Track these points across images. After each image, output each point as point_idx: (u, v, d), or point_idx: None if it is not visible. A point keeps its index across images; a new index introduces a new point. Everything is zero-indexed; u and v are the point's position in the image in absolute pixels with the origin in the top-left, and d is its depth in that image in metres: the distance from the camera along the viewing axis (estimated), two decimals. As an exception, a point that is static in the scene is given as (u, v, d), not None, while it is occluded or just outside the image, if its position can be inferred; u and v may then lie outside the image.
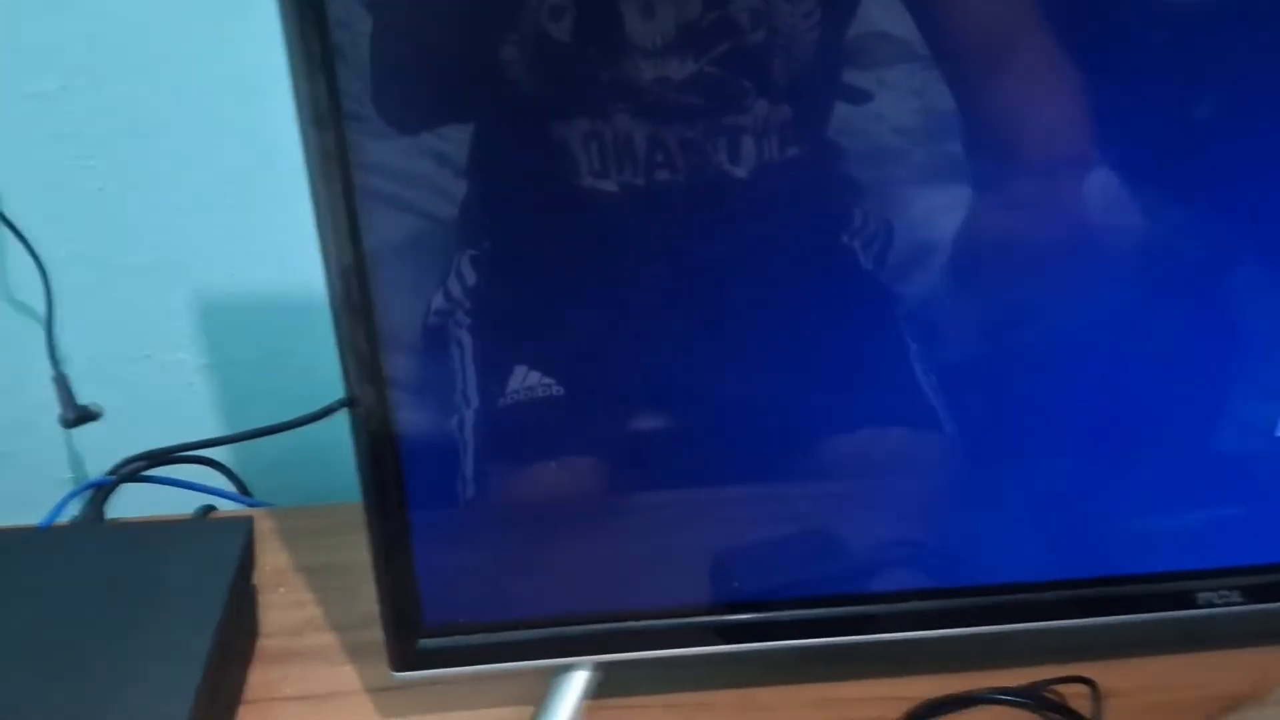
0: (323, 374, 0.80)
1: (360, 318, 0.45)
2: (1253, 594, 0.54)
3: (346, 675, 0.61)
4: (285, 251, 0.77)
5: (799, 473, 0.52)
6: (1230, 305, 0.50)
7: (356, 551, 0.69)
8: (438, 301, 0.46)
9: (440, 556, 0.50)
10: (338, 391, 0.74)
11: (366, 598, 0.66)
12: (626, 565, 0.53)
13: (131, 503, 0.72)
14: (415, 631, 0.52)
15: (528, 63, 0.42)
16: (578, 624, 0.53)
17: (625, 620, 0.53)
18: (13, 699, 0.49)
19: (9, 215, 0.72)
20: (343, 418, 0.74)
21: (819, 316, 0.49)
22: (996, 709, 0.58)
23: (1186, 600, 0.54)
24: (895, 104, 0.44)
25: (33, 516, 0.72)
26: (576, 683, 0.55)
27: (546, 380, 0.48)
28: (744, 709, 0.59)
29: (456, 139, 0.43)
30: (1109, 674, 0.58)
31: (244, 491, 0.81)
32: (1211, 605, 0.55)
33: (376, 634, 0.62)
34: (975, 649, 0.59)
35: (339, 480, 0.85)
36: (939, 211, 0.46)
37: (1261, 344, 0.51)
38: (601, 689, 0.57)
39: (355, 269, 0.44)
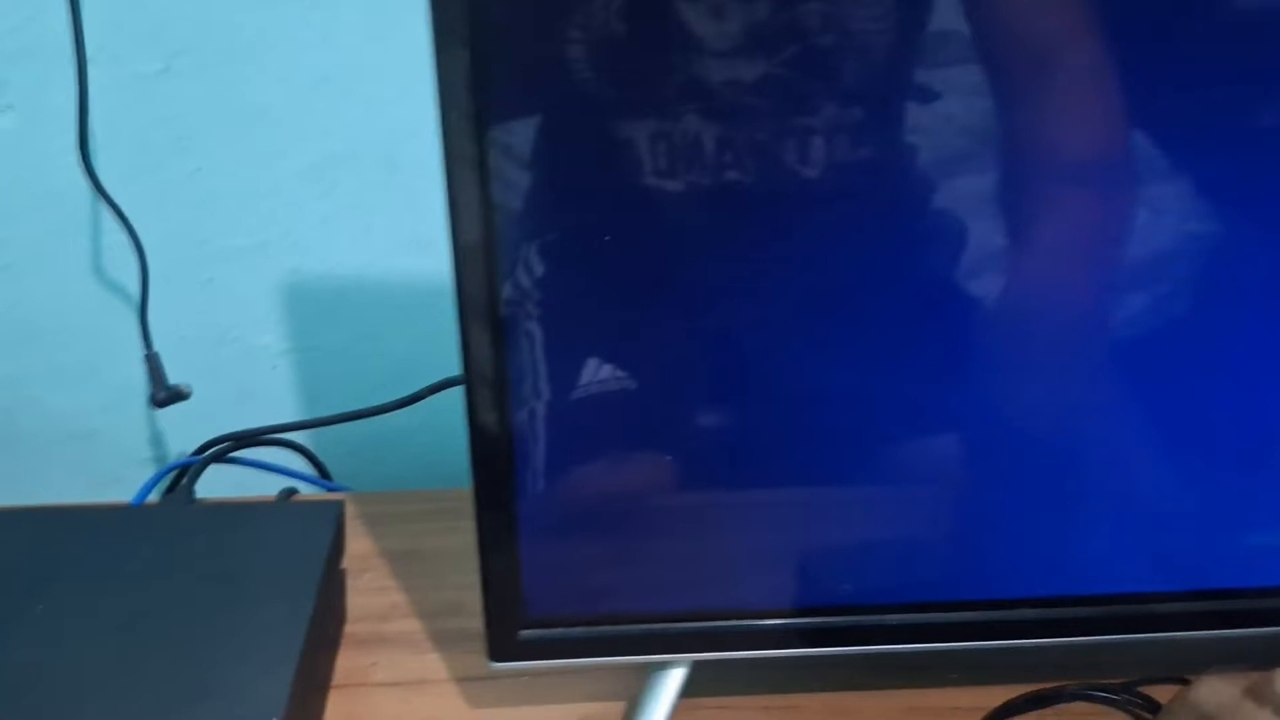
0: (404, 361, 0.81)
1: (485, 306, 0.45)
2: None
3: (435, 663, 0.61)
4: (374, 238, 0.77)
5: (890, 476, 0.51)
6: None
7: (440, 538, 0.70)
8: (507, 291, 0.46)
9: (544, 548, 0.50)
10: (418, 378, 0.75)
11: (452, 585, 0.66)
12: (724, 564, 0.52)
13: (212, 483, 0.72)
14: (517, 622, 0.51)
15: (594, 61, 0.41)
16: (677, 621, 0.52)
17: (723, 620, 0.52)
18: (109, 678, 0.49)
19: (109, 193, 0.72)
20: (425, 405, 0.75)
21: (896, 316, 0.48)
22: (1085, 705, 0.57)
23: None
24: (964, 104, 0.43)
25: (117, 494, 0.73)
26: (673, 681, 0.55)
27: (610, 375, 0.48)
28: (833, 713, 0.58)
29: (520, 131, 0.43)
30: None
31: (324, 475, 0.82)
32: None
33: (463, 622, 0.63)
34: (1071, 659, 0.58)
35: (418, 467, 0.86)
36: (1010, 212, 0.46)
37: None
38: (693, 688, 0.57)
39: (483, 251, 0.43)
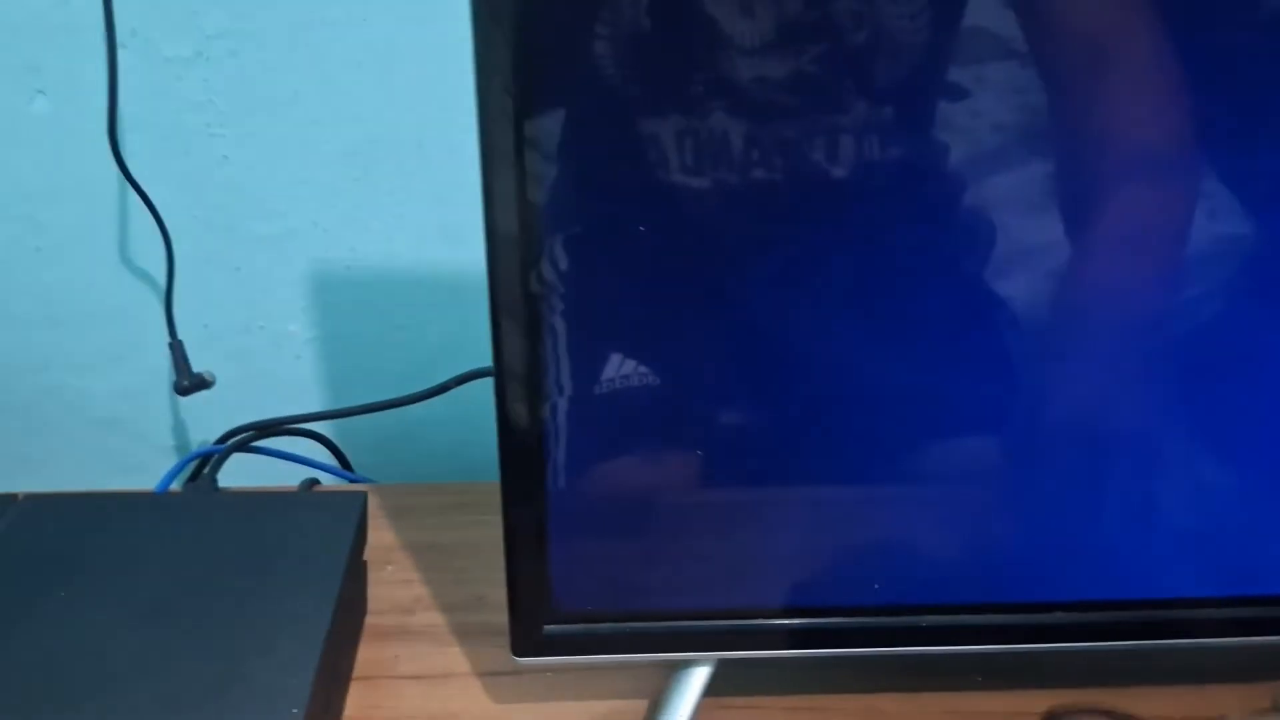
0: (430, 352, 0.81)
1: (518, 300, 0.44)
2: None
3: (457, 657, 0.60)
4: (404, 227, 0.77)
5: (923, 475, 0.50)
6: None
7: (463, 532, 0.70)
8: (540, 284, 0.45)
9: (572, 543, 0.49)
10: (444, 369, 0.75)
11: (475, 579, 0.66)
12: (752, 561, 0.51)
13: (234, 472, 0.72)
14: (542, 617, 0.51)
15: (620, 57, 0.41)
16: (703, 619, 0.52)
17: (749, 618, 0.52)
18: (130, 668, 0.48)
19: (137, 179, 0.72)
20: (451, 396, 0.74)
21: (931, 313, 0.47)
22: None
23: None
24: (995, 101, 0.42)
25: (140, 481, 0.72)
26: (697, 679, 0.54)
27: (643, 370, 0.47)
28: (861, 715, 0.57)
29: (560, 123, 0.43)
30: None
31: (346, 466, 0.81)
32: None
33: (486, 616, 0.63)
34: (1107, 664, 0.57)
35: (441, 459, 0.85)
36: (1043, 210, 0.45)
37: None
38: (719, 687, 0.56)
39: (518, 243, 0.43)
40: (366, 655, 0.60)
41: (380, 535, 0.69)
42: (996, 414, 0.49)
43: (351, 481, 0.79)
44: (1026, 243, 0.45)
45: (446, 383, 0.73)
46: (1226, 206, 0.46)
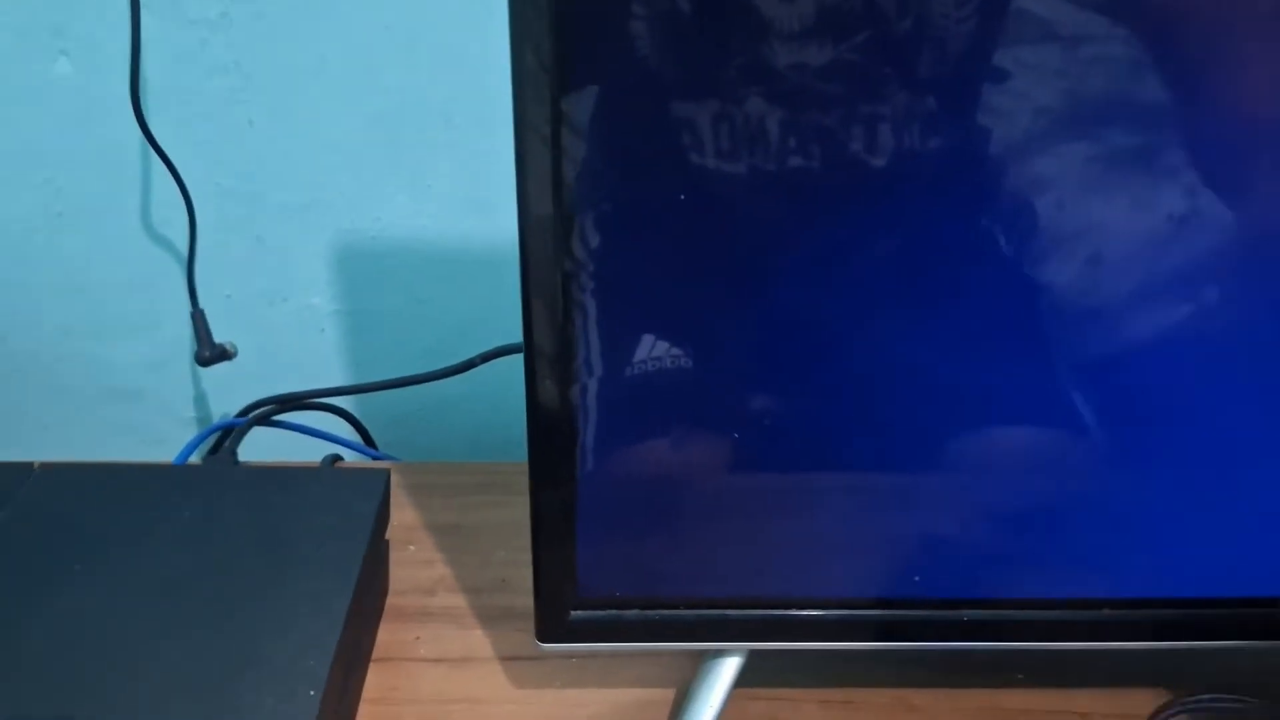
0: (456, 327, 0.79)
1: (550, 277, 0.42)
2: None
3: (479, 640, 0.59)
4: (430, 200, 0.75)
5: (963, 465, 0.48)
6: None
7: (488, 512, 0.68)
8: (573, 263, 0.43)
9: (601, 527, 0.48)
10: (470, 346, 0.73)
11: (498, 561, 0.64)
12: (786, 550, 0.49)
13: (255, 446, 0.71)
14: (568, 602, 0.49)
15: (658, 34, 0.39)
16: (735, 608, 0.50)
17: (782, 608, 0.50)
18: (147, 644, 0.47)
19: (160, 144, 0.70)
20: (477, 374, 0.72)
21: (960, 300, 0.45)
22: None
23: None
24: (1037, 85, 0.40)
25: (161, 453, 0.71)
26: (728, 670, 0.52)
27: (676, 351, 0.45)
28: (895, 709, 0.55)
29: (596, 99, 0.41)
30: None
31: (369, 443, 0.80)
32: None
33: (509, 599, 0.61)
34: (1158, 664, 0.55)
35: (466, 437, 0.83)
36: (1083, 196, 0.43)
37: None
38: (748, 678, 0.54)
39: (551, 221, 0.41)
40: (386, 636, 0.59)
41: (402, 514, 0.68)
42: (1040, 402, 0.47)
43: (374, 459, 0.78)
44: (1066, 229, 0.43)
45: (473, 359, 0.72)
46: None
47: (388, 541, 0.61)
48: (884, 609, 0.50)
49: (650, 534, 0.48)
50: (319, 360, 0.81)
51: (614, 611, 0.50)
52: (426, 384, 0.74)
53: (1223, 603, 0.51)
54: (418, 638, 0.59)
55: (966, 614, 0.50)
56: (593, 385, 0.45)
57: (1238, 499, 0.49)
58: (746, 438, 0.47)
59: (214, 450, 0.71)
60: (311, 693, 0.45)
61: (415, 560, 0.64)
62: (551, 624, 0.50)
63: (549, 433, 0.45)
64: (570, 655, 0.53)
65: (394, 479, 0.60)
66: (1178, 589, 0.50)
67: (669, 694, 0.55)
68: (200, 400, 0.83)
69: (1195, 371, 0.47)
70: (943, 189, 0.42)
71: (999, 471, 0.48)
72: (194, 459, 0.69)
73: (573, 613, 0.49)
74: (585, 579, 0.49)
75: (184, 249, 0.75)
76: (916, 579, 0.49)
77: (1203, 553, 0.50)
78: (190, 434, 0.77)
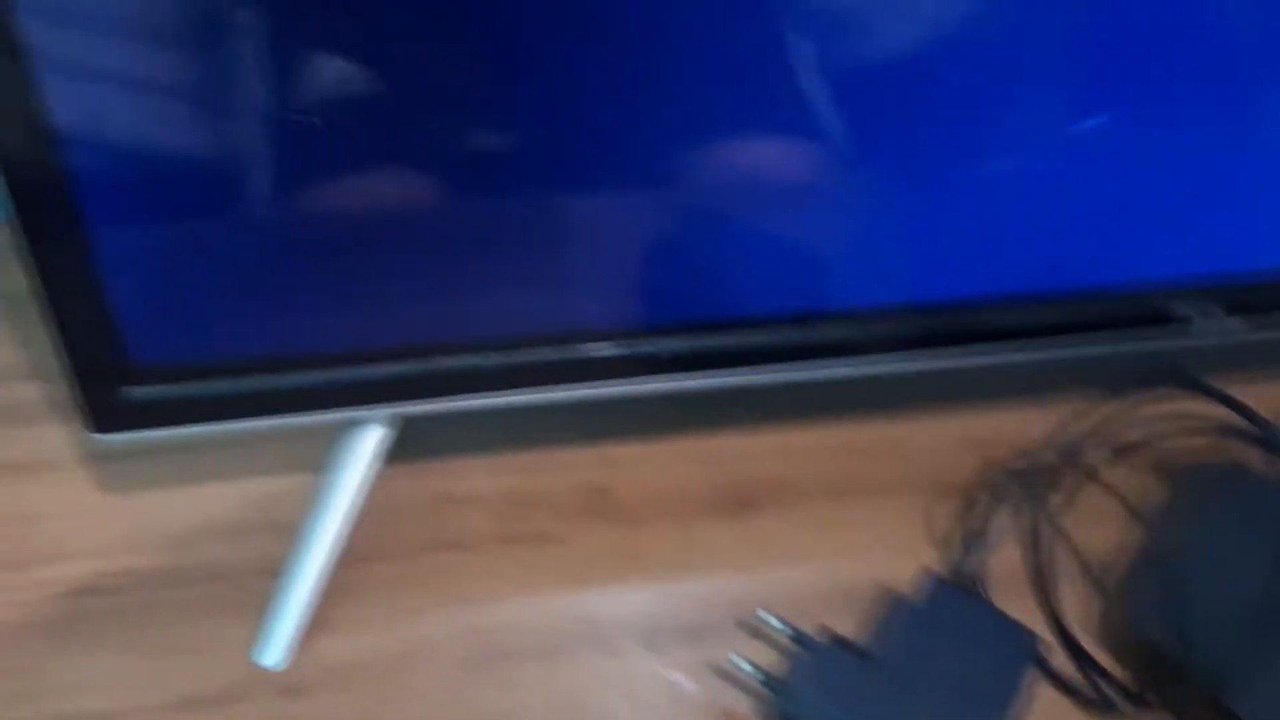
0: None
1: None
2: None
3: (52, 438, 0.45)
4: None
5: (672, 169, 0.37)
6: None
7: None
8: None
9: (146, 265, 0.34)
10: None
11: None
12: (422, 277, 0.37)
13: None
14: (118, 376, 0.36)
15: None
16: (362, 363, 0.37)
17: (427, 357, 0.38)
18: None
19: None
20: None
21: None
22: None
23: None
24: None
25: None
26: (367, 444, 0.40)
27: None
28: (593, 465, 0.45)
29: None
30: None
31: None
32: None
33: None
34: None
35: None
36: None
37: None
38: (409, 450, 0.43)
39: None
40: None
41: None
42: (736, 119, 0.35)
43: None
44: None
45: None
46: None
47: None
48: (553, 347, 0.39)
49: (219, 270, 0.35)
50: None
51: (188, 384, 0.36)
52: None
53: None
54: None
55: (662, 345, 0.39)
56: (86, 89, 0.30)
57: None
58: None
59: None
60: None
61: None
62: (103, 408, 0.36)
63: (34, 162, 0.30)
64: (149, 447, 0.39)
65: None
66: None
67: (309, 480, 0.43)
68: None
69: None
70: None
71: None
72: None
73: (129, 390, 0.36)
74: (136, 340, 0.35)
75: None
76: (609, 302, 0.38)
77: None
78: None
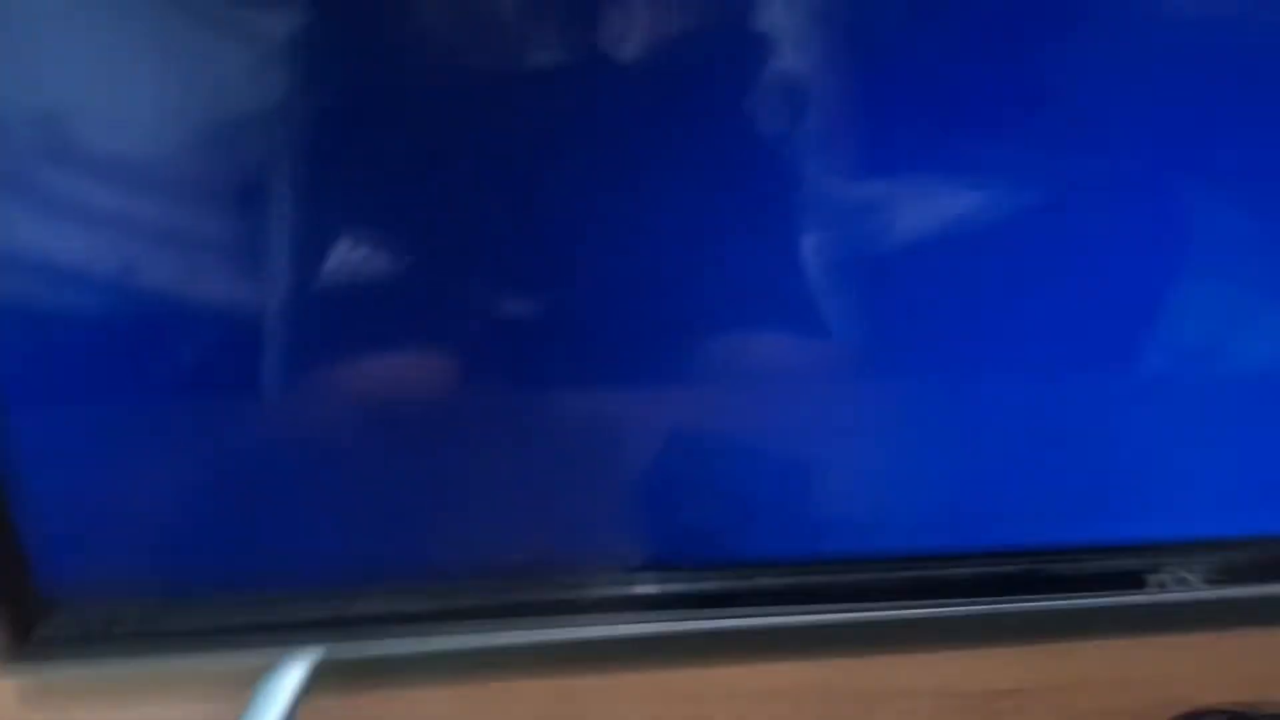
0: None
1: None
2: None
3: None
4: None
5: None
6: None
7: None
8: None
9: (59, 498, 0.33)
10: None
11: None
12: (345, 515, 0.36)
13: None
14: (30, 609, 0.35)
15: None
16: (284, 603, 0.36)
17: (354, 599, 0.37)
18: None
19: None
20: None
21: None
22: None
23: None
24: None
25: None
26: (289, 682, 0.39)
27: None
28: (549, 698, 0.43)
29: None
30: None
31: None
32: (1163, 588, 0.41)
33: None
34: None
35: None
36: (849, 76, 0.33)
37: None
38: (344, 675, 0.41)
39: None
40: None
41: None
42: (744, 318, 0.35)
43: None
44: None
45: None
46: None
47: None
48: (484, 593, 0.38)
49: (136, 505, 0.34)
50: None
51: (97, 622, 0.35)
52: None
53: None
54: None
55: (596, 591, 0.38)
56: None
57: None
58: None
59: None
60: None
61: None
62: (16, 640, 0.35)
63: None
64: (55, 678, 0.38)
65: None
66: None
67: (235, 708, 0.41)
68: None
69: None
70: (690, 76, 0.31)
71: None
72: None
73: (40, 625, 0.35)
74: (45, 571, 0.34)
75: None
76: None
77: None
78: None
